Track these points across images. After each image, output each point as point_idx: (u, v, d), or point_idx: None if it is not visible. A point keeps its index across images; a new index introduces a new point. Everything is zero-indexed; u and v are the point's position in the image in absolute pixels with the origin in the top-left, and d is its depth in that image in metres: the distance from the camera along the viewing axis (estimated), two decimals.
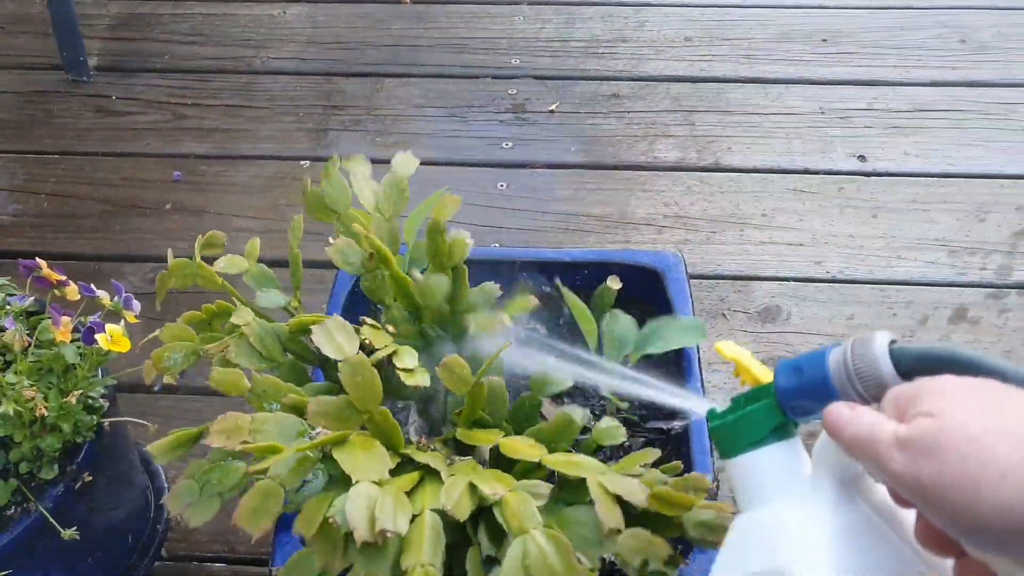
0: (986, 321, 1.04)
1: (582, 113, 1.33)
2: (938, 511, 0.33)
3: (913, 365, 0.37)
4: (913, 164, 1.22)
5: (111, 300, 0.75)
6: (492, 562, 0.46)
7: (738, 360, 0.47)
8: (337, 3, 1.52)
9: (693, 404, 0.51)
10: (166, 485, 0.89)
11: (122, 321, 0.73)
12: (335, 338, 0.50)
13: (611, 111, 1.32)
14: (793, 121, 1.29)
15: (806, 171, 1.22)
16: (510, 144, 1.29)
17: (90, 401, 0.72)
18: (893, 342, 0.38)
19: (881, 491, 0.41)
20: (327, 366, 0.64)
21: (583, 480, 0.48)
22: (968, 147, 1.24)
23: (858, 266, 1.11)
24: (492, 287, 0.61)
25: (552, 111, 1.33)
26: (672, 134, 1.29)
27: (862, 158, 1.24)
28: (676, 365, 0.72)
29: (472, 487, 0.45)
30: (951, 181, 1.20)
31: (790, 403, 0.42)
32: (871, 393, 0.38)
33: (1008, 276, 1.08)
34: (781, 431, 0.42)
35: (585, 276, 0.76)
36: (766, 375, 0.45)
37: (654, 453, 0.52)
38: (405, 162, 0.63)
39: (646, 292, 0.74)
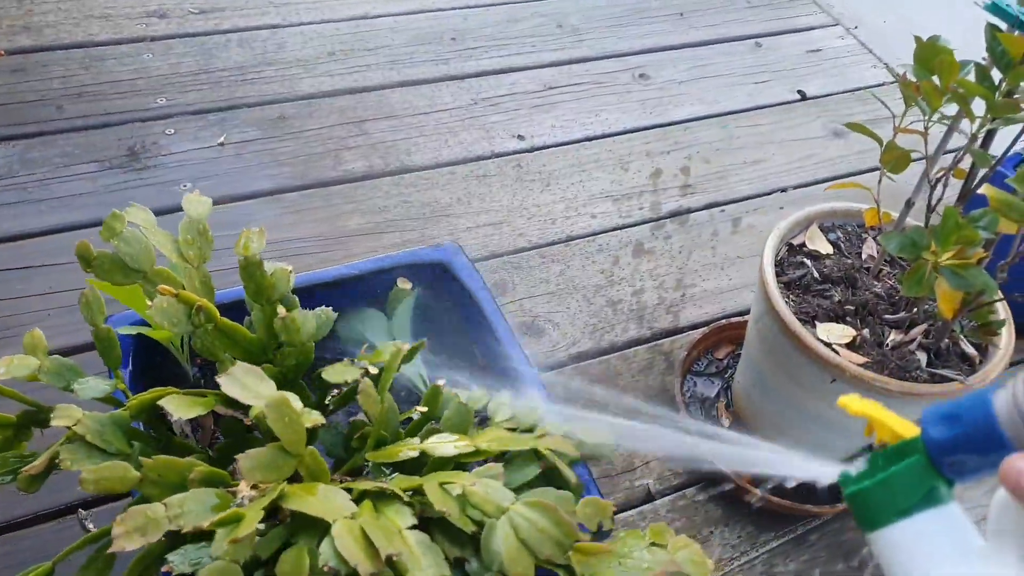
0: (658, 249, 1.26)
1: (255, 140, 1.28)
2: None
3: None
4: (560, 135, 1.42)
5: None
6: (460, 564, 0.47)
7: (868, 414, 0.40)
8: None
9: (818, 469, 0.42)
10: None
11: None
12: (245, 383, 0.46)
13: (284, 133, 1.30)
14: (455, 115, 1.40)
15: (480, 157, 1.34)
16: (188, 185, 1.20)
17: None
18: None
19: None
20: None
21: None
22: (595, 112, 1.47)
23: (551, 229, 1.26)
24: (329, 311, 0.60)
25: (222, 144, 1.27)
26: (352, 146, 1.31)
27: (521, 137, 1.39)
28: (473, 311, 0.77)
29: (441, 485, 0.45)
30: (594, 143, 1.41)
31: (946, 459, 0.36)
32: None
33: (660, 209, 1.33)
34: (934, 494, 0.37)
35: (373, 286, 0.77)
36: (908, 429, 0.39)
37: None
38: (196, 203, 0.58)
39: (439, 285, 0.77)
